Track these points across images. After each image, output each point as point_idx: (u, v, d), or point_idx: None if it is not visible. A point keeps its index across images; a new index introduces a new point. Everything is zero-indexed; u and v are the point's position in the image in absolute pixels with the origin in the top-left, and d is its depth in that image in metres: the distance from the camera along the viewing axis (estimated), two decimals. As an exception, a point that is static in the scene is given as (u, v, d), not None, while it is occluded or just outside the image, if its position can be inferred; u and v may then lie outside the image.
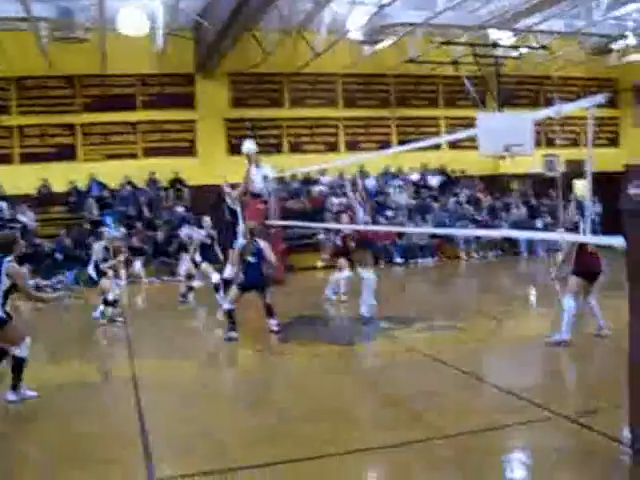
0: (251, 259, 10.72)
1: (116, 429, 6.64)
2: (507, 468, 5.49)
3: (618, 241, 5.31)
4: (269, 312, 10.83)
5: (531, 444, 5.95)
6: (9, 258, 7.57)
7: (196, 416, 7.00)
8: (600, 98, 5.69)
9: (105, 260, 12.74)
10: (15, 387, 7.56)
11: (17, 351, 7.51)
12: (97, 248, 12.94)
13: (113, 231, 19.41)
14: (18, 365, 7.55)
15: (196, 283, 14.24)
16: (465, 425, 6.27)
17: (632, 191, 4.79)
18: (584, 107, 5.93)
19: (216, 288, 13.74)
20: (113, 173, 22.05)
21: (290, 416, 6.93)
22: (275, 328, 10.76)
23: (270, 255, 11.03)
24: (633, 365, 5.39)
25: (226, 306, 10.88)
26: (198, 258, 13.90)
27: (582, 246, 9.01)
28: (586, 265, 9.16)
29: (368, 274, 12.09)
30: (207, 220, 14.40)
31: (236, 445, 6.11)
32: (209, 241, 14.14)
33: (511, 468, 5.52)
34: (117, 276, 18.52)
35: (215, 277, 13.80)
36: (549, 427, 6.21)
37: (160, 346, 10.80)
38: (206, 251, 14.03)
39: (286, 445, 6.01)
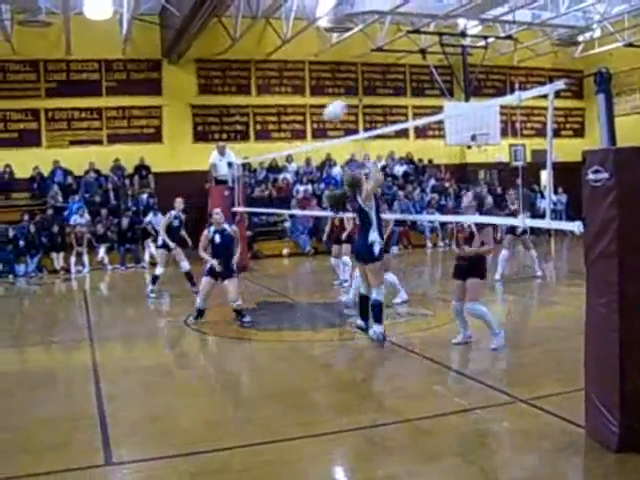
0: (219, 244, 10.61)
1: (74, 414, 6.56)
2: (464, 451, 5.53)
3: (576, 226, 5.36)
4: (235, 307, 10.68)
5: (491, 427, 6.00)
6: None
7: (156, 401, 6.96)
8: (560, 84, 5.72)
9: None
10: None
11: None
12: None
13: (78, 218, 19.35)
14: None
15: (159, 270, 13.76)
16: (424, 409, 6.30)
17: (591, 176, 4.82)
18: (545, 94, 5.94)
19: (188, 276, 13.57)
20: (78, 159, 21.78)
21: (249, 401, 6.94)
22: (245, 319, 10.61)
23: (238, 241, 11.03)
24: (588, 345, 5.45)
25: (198, 305, 10.76)
26: (171, 244, 13.48)
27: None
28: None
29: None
30: (179, 201, 13.83)
31: (196, 430, 6.08)
32: (177, 223, 13.69)
33: (471, 451, 5.56)
34: (81, 263, 18.49)
35: (185, 266, 13.59)
36: (508, 411, 6.27)
37: (122, 333, 10.71)
38: (174, 233, 13.62)
39: (245, 429, 6.00)
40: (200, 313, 10.80)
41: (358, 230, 8.93)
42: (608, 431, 5.18)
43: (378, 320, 8.71)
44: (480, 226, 8.24)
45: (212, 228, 10.88)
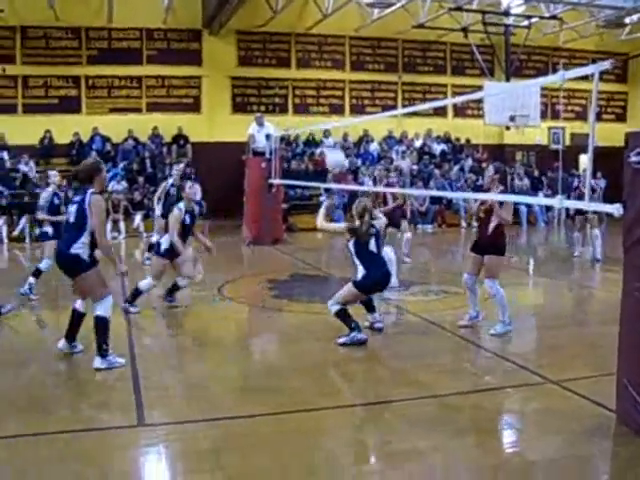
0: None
1: (110, 375, 6.67)
2: (494, 429, 5.54)
3: (616, 208, 5.30)
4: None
5: (519, 407, 6.02)
6: (92, 189, 6.84)
7: (188, 367, 7.08)
8: (606, 64, 5.63)
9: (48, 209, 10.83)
10: (103, 354, 6.74)
11: (99, 309, 6.80)
12: (44, 195, 11.10)
13: (116, 184, 19.50)
14: (102, 327, 6.80)
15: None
16: (453, 386, 6.32)
17: (633, 158, 4.77)
18: (590, 77, 5.85)
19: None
20: (116, 127, 21.98)
21: (279, 371, 6.99)
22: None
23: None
24: (623, 330, 5.42)
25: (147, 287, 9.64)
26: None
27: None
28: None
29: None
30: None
31: (225, 396, 6.17)
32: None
33: (497, 429, 5.58)
34: (117, 229, 18.66)
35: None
36: (538, 391, 6.26)
37: (155, 299, 10.80)
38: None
39: (274, 398, 6.05)
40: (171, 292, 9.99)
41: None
42: (638, 416, 5.16)
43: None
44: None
45: (182, 206, 9.59)
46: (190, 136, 22.68)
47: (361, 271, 8.04)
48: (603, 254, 14.06)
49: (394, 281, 10.93)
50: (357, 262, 8.08)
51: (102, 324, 6.80)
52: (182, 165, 13.07)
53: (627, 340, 5.38)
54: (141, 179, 20.64)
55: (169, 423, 5.44)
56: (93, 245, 6.81)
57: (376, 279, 8.09)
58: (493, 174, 8.37)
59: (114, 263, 7.19)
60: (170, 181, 13.09)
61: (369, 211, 8.20)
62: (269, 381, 6.57)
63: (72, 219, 6.85)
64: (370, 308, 8.48)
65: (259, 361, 7.72)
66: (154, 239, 12.50)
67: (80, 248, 6.73)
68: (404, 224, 13.33)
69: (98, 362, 6.72)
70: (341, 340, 7.76)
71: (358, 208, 8.16)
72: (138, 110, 22.77)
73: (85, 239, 6.75)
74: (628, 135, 5.28)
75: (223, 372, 6.98)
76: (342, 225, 8.78)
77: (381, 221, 8.51)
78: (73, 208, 6.87)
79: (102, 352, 6.75)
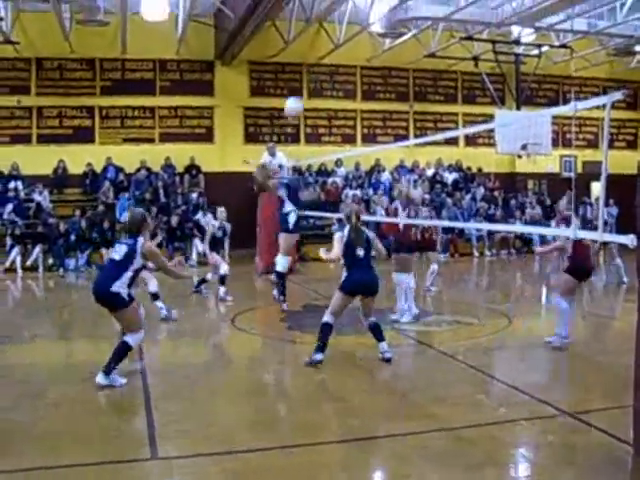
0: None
1: (122, 407, 6.70)
2: (509, 462, 5.49)
3: (630, 239, 5.28)
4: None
5: (534, 440, 5.95)
6: (142, 238, 7.51)
7: (200, 398, 7.04)
8: (618, 95, 5.65)
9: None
10: (108, 371, 7.21)
11: (129, 338, 7.37)
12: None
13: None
14: (122, 351, 7.33)
15: (209, 276, 13.65)
16: (468, 418, 6.27)
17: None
18: (601, 106, 5.88)
19: (222, 280, 13.19)
20: (129, 157, 22.15)
21: (292, 403, 6.97)
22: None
23: None
24: (638, 361, 5.37)
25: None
26: (206, 249, 13.40)
27: (577, 243, 8.62)
28: (581, 263, 8.84)
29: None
30: (222, 211, 13.78)
31: (239, 429, 6.13)
32: (220, 233, 13.56)
33: (513, 462, 5.52)
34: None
35: (224, 268, 13.21)
36: (553, 423, 6.20)
37: (167, 329, 10.83)
38: (216, 244, 13.45)
39: (285, 430, 6.04)
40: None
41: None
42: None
43: None
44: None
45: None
46: (202, 166, 22.81)
47: (344, 274, 8.36)
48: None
49: (413, 310, 10.93)
50: (344, 266, 8.39)
51: (124, 349, 7.35)
52: (223, 208, 13.97)
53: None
54: (154, 209, 20.71)
55: (182, 457, 5.42)
56: (131, 284, 7.43)
57: (356, 281, 8.26)
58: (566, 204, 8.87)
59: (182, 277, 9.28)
60: (216, 223, 13.68)
61: (357, 215, 8.43)
62: (282, 414, 6.57)
63: (118, 257, 7.39)
64: (378, 337, 8.46)
65: (272, 393, 7.69)
66: (209, 276, 13.80)
67: (120, 287, 7.26)
68: (434, 255, 13.45)
69: (101, 378, 7.15)
70: (305, 360, 8.14)
71: (346, 211, 8.55)
72: (151, 140, 22.93)
73: (125, 279, 7.31)
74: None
75: (236, 404, 6.96)
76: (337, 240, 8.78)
77: (372, 234, 8.60)
78: (123, 248, 7.44)
79: (108, 370, 7.19)
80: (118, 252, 7.44)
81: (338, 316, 8.33)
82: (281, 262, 11.82)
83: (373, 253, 8.49)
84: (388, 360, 8.31)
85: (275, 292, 11.87)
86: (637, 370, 5.39)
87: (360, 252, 8.29)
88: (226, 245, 14.21)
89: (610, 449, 5.53)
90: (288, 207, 11.96)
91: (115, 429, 6.05)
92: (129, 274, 7.33)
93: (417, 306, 11.22)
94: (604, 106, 5.79)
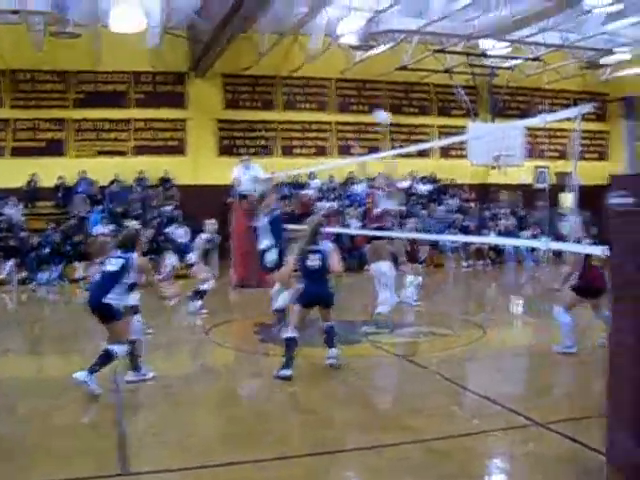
0: None
1: (94, 422, 6.62)
2: (482, 474, 5.49)
3: (601, 250, 5.32)
4: None
5: (507, 450, 5.97)
6: (136, 253, 7.74)
7: (174, 412, 6.98)
8: (587, 108, 5.71)
9: None
10: (91, 371, 7.26)
11: (115, 347, 7.42)
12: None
13: (102, 228, 19.45)
14: (106, 358, 7.39)
15: (206, 285, 13.04)
16: (442, 430, 6.27)
17: (614, 200, 4.82)
18: (571, 118, 5.94)
19: (199, 294, 12.99)
20: (103, 170, 21.92)
21: (266, 416, 6.92)
22: None
23: None
24: (612, 375, 5.41)
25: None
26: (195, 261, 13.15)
27: (587, 261, 8.72)
28: (589, 281, 8.84)
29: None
30: (212, 223, 13.49)
31: (212, 442, 6.10)
32: (209, 246, 13.28)
33: (486, 474, 5.53)
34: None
35: (210, 283, 12.99)
36: (527, 434, 6.21)
37: (145, 344, 10.72)
38: (205, 257, 13.22)
39: (257, 444, 5.99)
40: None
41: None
42: (628, 459, 5.13)
43: None
44: None
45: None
46: (175, 179, 22.70)
47: (300, 285, 8.61)
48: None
49: (394, 299, 10.86)
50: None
51: (109, 356, 7.41)
52: (213, 220, 13.65)
53: (614, 381, 5.36)
54: (127, 222, 20.55)
55: (153, 471, 5.36)
56: (124, 296, 7.59)
57: (310, 293, 8.41)
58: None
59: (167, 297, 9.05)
60: (205, 236, 13.32)
61: (314, 228, 8.58)
62: (256, 427, 6.50)
63: (113, 269, 7.54)
64: (329, 342, 8.56)
65: (245, 406, 7.63)
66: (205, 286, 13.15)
67: (112, 299, 7.39)
68: (417, 267, 13.46)
69: (81, 374, 7.17)
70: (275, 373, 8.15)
71: (311, 224, 8.69)
72: (124, 153, 22.79)
73: (119, 290, 7.46)
74: (612, 177, 5.33)
75: (209, 418, 6.92)
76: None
77: (330, 247, 8.63)
78: (118, 261, 7.60)
79: (91, 370, 7.23)
80: (115, 264, 7.58)
81: (300, 328, 8.37)
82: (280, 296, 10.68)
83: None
84: (331, 366, 8.43)
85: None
86: (609, 380, 5.43)
87: (314, 264, 8.37)
88: (216, 257, 13.96)
89: (583, 458, 5.55)
90: (265, 242, 10.73)
91: (87, 444, 5.97)
92: (122, 287, 7.51)
93: (397, 295, 11.20)
94: (576, 118, 5.84)
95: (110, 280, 7.50)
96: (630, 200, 5.08)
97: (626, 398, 5.22)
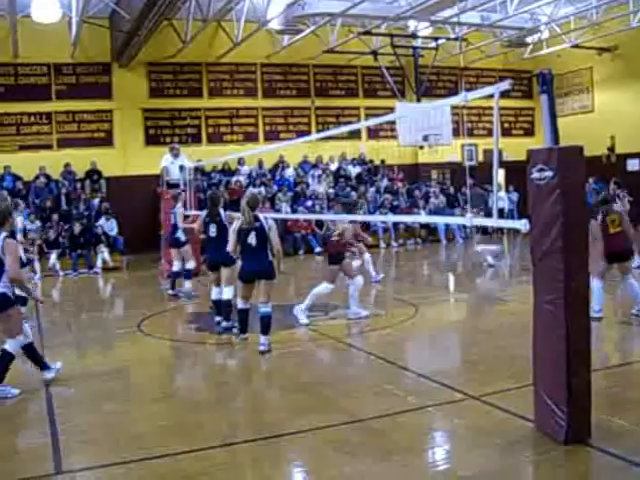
0: None
1: (24, 420, 6.51)
2: (418, 448, 5.57)
3: (522, 224, 5.41)
4: None
5: (442, 425, 6.08)
6: (4, 234, 7.02)
7: (108, 407, 6.87)
8: (505, 85, 5.78)
9: None
10: None
11: (8, 346, 7.03)
12: None
13: (29, 224, 19.03)
14: (5, 362, 7.03)
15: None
16: (377, 408, 6.33)
17: (535, 174, 4.90)
18: (491, 94, 6.01)
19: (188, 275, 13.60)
20: (27, 164, 21.38)
21: (202, 405, 6.90)
22: None
23: None
24: (536, 342, 5.55)
25: None
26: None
27: (605, 230, 9.42)
28: (611, 247, 9.43)
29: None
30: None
31: (148, 435, 6.03)
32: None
33: (422, 449, 5.61)
34: (32, 270, 18.16)
35: (191, 264, 13.74)
36: (460, 408, 6.34)
37: (74, 339, 10.60)
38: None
39: (198, 434, 5.97)
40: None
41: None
42: (556, 425, 5.27)
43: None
44: None
45: None
46: (103, 171, 22.28)
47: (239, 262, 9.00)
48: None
49: (355, 310, 10.72)
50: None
51: (7, 359, 7.03)
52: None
53: (540, 351, 5.50)
54: (55, 217, 20.18)
55: (88, 468, 5.30)
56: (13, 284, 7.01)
57: (249, 269, 8.73)
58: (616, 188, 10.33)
59: (29, 293, 7.63)
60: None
61: (250, 203, 8.68)
62: (192, 417, 6.48)
63: None
64: (262, 329, 8.65)
65: (181, 397, 7.55)
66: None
67: (4, 287, 6.90)
68: (361, 246, 13.49)
69: None
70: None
71: (247, 199, 8.81)
72: (49, 147, 22.29)
73: (6, 279, 6.88)
74: (530, 152, 5.44)
75: (144, 410, 6.84)
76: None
77: (270, 221, 8.83)
78: None
79: None
80: None
81: (249, 299, 8.90)
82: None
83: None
84: (261, 352, 8.52)
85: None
86: (535, 350, 5.56)
87: (252, 240, 8.56)
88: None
89: (516, 428, 5.68)
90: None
91: (17, 444, 5.88)
92: (5, 274, 6.91)
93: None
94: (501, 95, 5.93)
95: None
96: (550, 173, 5.20)
97: (547, 364, 5.37)
